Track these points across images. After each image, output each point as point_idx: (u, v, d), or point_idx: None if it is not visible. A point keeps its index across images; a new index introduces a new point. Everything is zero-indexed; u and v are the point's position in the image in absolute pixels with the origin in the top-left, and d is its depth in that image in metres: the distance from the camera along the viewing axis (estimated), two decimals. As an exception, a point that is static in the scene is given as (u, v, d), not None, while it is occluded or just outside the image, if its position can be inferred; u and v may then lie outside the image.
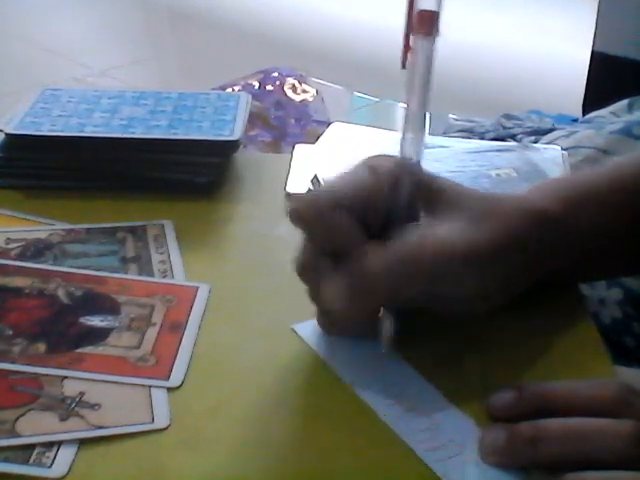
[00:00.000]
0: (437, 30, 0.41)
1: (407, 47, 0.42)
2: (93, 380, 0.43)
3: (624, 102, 0.95)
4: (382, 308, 0.45)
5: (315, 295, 0.46)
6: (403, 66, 0.42)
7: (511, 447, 0.39)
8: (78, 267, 0.52)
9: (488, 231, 0.45)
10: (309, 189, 0.61)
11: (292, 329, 0.48)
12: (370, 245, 0.44)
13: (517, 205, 0.47)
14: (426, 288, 0.44)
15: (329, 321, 0.47)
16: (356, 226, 0.44)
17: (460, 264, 0.44)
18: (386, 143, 0.70)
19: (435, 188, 0.47)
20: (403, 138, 0.44)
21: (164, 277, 0.52)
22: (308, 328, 0.47)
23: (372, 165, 0.46)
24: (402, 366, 0.45)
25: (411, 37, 0.42)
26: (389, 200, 0.45)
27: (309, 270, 0.46)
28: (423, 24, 0.41)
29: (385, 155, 0.47)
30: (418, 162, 0.44)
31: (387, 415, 0.42)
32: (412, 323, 0.45)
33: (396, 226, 0.44)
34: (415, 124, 0.43)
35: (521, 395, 0.42)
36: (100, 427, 0.40)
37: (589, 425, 0.39)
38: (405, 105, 0.43)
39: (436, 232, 0.45)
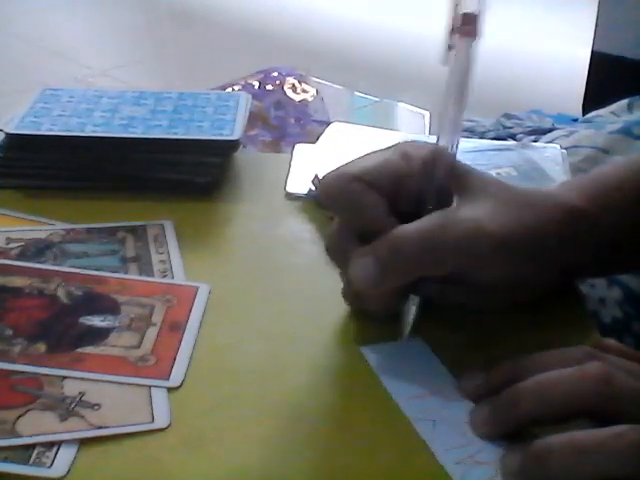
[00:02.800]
0: (479, 32, 0.43)
1: (447, 46, 0.44)
2: (93, 380, 0.43)
3: (624, 102, 0.95)
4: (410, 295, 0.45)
5: (343, 274, 0.46)
6: (443, 63, 0.44)
7: (495, 414, 0.40)
8: (78, 267, 0.52)
9: (521, 219, 0.45)
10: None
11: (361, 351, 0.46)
12: (396, 225, 0.44)
13: (547, 199, 0.47)
14: (456, 266, 0.44)
15: (355, 295, 0.47)
16: (384, 203, 0.44)
17: (492, 244, 0.44)
18: (386, 143, 0.70)
19: (468, 175, 0.46)
20: (439, 129, 0.44)
21: (164, 277, 0.52)
22: (377, 352, 0.46)
23: (403, 149, 0.46)
24: (431, 361, 0.46)
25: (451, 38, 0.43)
26: (420, 185, 0.45)
27: (337, 251, 0.46)
28: (465, 26, 0.43)
29: (416, 141, 0.48)
30: (453, 153, 0.45)
31: (418, 425, 0.41)
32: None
33: (426, 212, 0.44)
34: (452, 121, 0.44)
35: (488, 375, 0.43)
36: (100, 427, 0.40)
37: (558, 374, 0.40)
38: (443, 104, 0.44)
39: (469, 212, 0.44)
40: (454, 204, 0.45)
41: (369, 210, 0.44)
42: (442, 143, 0.45)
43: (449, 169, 0.45)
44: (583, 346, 0.43)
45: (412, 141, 0.48)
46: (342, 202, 0.45)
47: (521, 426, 0.40)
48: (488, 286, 0.46)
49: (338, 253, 0.46)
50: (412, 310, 0.45)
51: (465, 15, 0.43)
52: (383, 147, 0.47)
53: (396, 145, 0.47)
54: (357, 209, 0.44)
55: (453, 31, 0.43)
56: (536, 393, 0.40)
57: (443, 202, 0.45)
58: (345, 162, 0.46)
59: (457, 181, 0.46)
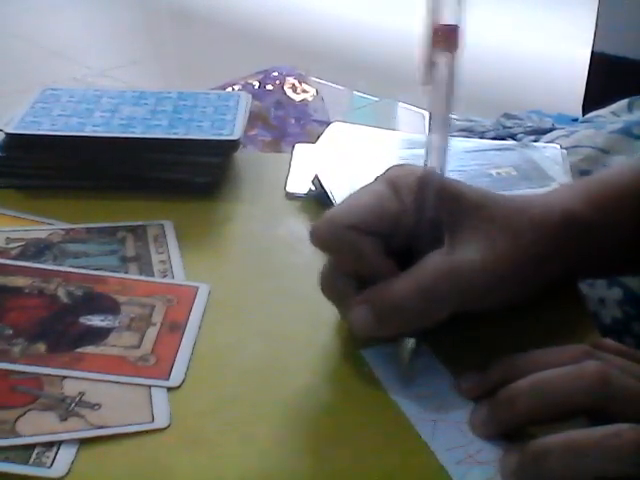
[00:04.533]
0: (458, 45, 0.41)
1: (427, 63, 0.41)
2: (93, 380, 0.43)
3: (624, 102, 0.95)
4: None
5: (340, 312, 0.46)
6: (424, 83, 0.42)
7: (493, 414, 0.40)
8: (78, 267, 0.52)
9: (517, 248, 0.45)
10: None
11: (361, 354, 0.46)
12: (394, 271, 0.43)
13: (543, 208, 0.47)
14: (453, 312, 0.44)
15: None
16: (380, 247, 0.44)
17: (488, 287, 0.44)
18: (386, 143, 0.70)
19: (460, 201, 0.45)
20: (426, 151, 0.43)
21: (164, 277, 0.52)
22: (377, 355, 0.46)
23: (393, 180, 0.45)
24: (431, 361, 0.45)
25: (432, 52, 0.41)
26: (412, 218, 0.44)
27: (332, 292, 0.46)
28: (444, 39, 0.40)
29: (406, 166, 0.46)
30: (441, 174, 0.43)
31: (418, 425, 0.41)
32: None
33: (421, 244, 0.44)
34: (437, 137, 0.43)
35: (485, 373, 0.43)
36: (100, 427, 0.40)
37: (555, 373, 0.40)
38: (428, 119, 0.43)
39: (463, 255, 0.44)
40: (446, 243, 0.44)
41: (365, 257, 0.43)
42: (430, 164, 0.43)
43: (438, 193, 0.44)
44: (580, 344, 0.43)
45: (402, 167, 0.46)
46: (337, 250, 0.44)
47: (519, 426, 0.40)
48: (484, 310, 0.46)
49: (334, 293, 0.46)
50: (408, 352, 0.44)
51: (443, 27, 0.40)
52: (371, 181, 0.46)
53: (384, 174, 0.46)
54: (353, 257, 0.44)
55: (432, 46, 0.41)
56: (533, 392, 0.40)
57: (437, 235, 0.44)
58: (335, 206, 0.45)
59: (446, 204, 0.45)
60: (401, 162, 0.48)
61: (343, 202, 0.45)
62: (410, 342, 0.44)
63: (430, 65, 0.41)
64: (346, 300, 0.44)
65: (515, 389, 0.40)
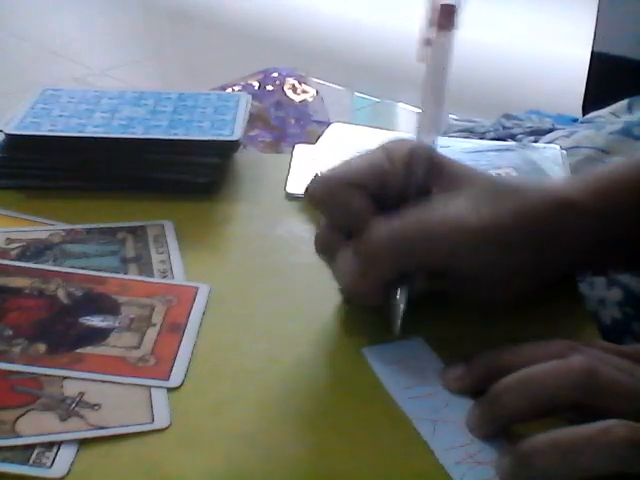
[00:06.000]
0: (456, 24, 0.43)
1: (424, 41, 0.43)
2: (93, 380, 0.43)
3: (624, 102, 0.95)
4: (397, 289, 0.45)
5: (331, 269, 0.47)
6: (419, 59, 0.44)
7: (483, 413, 0.40)
8: (78, 267, 0.52)
9: (501, 209, 0.45)
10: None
11: (362, 352, 0.46)
12: (377, 218, 0.45)
13: (535, 190, 0.47)
14: (431, 261, 0.45)
15: (346, 294, 0.48)
16: (368, 204, 0.45)
17: (458, 242, 0.44)
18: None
19: (446, 167, 0.47)
20: (418, 125, 0.45)
21: (164, 277, 0.52)
22: (377, 355, 0.46)
23: (387, 149, 0.47)
24: (432, 361, 0.46)
25: (429, 31, 0.43)
26: (403, 183, 0.46)
27: (325, 248, 0.47)
28: (443, 18, 0.43)
29: (402, 138, 0.48)
30: (432, 147, 0.45)
31: (418, 425, 0.41)
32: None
33: (409, 207, 0.45)
34: (430, 113, 0.45)
35: (469, 365, 0.43)
36: (100, 427, 0.40)
37: (542, 369, 0.39)
38: (420, 99, 0.45)
39: (445, 206, 0.45)
40: (435, 200, 0.46)
41: (356, 212, 0.45)
42: (421, 139, 0.45)
43: (427, 163, 0.46)
44: (565, 340, 0.42)
45: (398, 139, 0.48)
46: (329, 205, 0.46)
47: (509, 423, 0.40)
48: (470, 277, 0.46)
49: (326, 249, 0.47)
50: (400, 307, 0.45)
51: (443, 7, 0.43)
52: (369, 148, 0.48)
53: (380, 145, 0.48)
54: (344, 211, 0.46)
55: (431, 24, 0.43)
56: (520, 389, 0.39)
57: (425, 199, 0.46)
58: (332, 166, 0.47)
59: (435, 174, 0.46)
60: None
61: (338, 164, 0.47)
62: (401, 297, 0.45)
63: (427, 42, 0.43)
64: (335, 253, 0.46)
65: (502, 386, 0.40)
